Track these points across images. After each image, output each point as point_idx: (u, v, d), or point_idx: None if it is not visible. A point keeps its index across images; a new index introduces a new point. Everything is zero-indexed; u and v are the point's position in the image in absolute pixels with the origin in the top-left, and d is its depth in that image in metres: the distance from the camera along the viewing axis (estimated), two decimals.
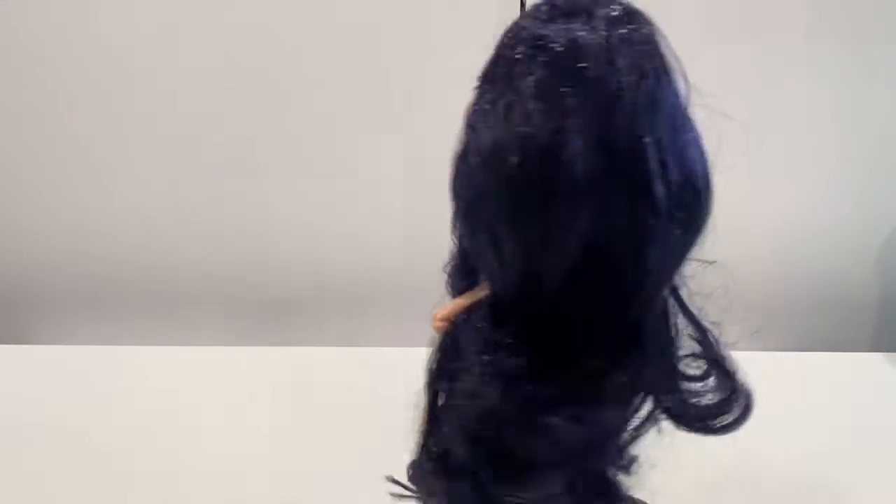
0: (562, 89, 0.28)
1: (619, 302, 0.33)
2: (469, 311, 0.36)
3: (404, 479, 0.41)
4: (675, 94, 0.32)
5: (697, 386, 0.40)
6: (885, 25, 0.74)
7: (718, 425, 0.41)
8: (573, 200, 0.29)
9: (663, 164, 0.30)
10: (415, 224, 0.71)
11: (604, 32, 0.29)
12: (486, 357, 0.34)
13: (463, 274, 0.39)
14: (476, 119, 0.31)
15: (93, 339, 0.87)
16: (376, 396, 0.61)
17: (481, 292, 0.36)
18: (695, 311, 0.39)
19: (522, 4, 0.34)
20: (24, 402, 0.72)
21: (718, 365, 0.41)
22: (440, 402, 0.38)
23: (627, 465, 0.38)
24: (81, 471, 0.63)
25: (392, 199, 0.72)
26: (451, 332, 0.37)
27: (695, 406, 0.40)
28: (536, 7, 0.31)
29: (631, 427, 0.37)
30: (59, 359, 0.80)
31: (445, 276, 0.41)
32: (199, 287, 0.89)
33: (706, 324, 0.40)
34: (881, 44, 0.75)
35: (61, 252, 0.87)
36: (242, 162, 0.82)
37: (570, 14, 0.29)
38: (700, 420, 0.40)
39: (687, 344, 0.40)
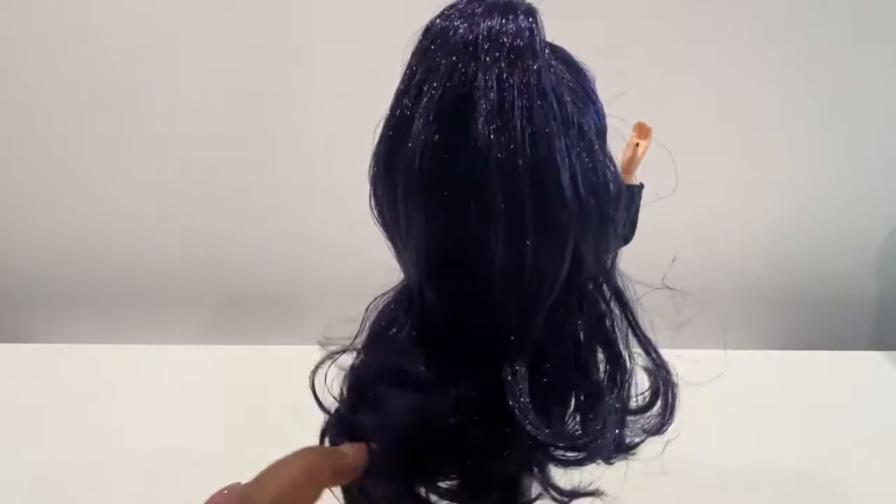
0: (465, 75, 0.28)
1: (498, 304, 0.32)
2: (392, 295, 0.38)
3: None
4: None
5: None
6: (885, 26, 0.74)
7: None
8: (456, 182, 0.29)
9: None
10: None
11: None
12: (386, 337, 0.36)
13: None
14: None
15: (90, 338, 0.87)
16: None
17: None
18: (642, 330, 0.37)
19: None
20: (22, 399, 0.72)
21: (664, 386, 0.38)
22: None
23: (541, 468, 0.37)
24: (80, 469, 0.63)
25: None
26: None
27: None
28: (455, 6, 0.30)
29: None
30: (56, 357, 0.80)
31: None
32: (196, 287, 0.89)
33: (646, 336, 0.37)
34: (881, 44, 0.75)
35: (58, 252, 0.87)
36: (236, 165, 0.81)
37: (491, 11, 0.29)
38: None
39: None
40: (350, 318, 0.39)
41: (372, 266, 0.37)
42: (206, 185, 0.83)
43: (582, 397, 0.35)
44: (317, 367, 0.40)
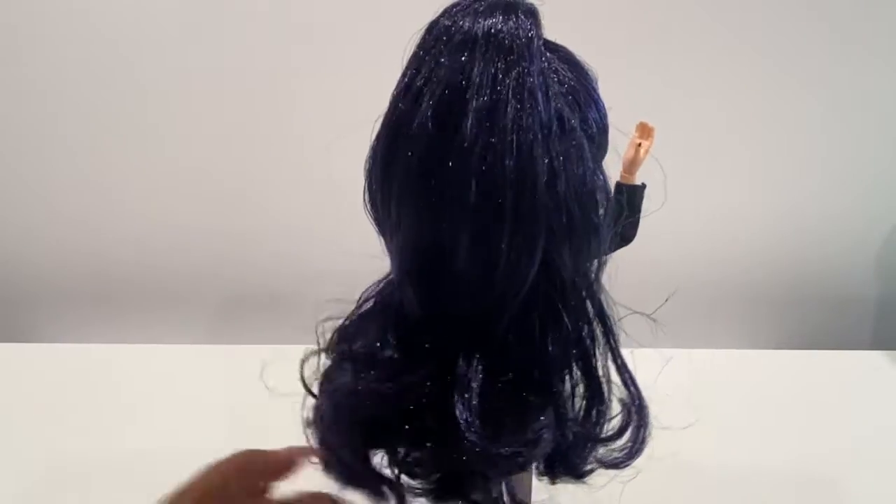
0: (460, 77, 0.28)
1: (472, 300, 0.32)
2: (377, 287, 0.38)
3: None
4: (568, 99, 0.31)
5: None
6: (883, 27, 0.74)
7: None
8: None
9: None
10: None
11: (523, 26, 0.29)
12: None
13: None
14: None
15: (91, 338, 0.87)
16: None
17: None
18: (617, 349, 0.36)
19: None
20: (23, 399, 0.72)
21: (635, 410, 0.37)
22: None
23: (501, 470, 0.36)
24: (81, 468, 0.63)
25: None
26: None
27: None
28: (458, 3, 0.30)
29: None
30: (57, 357, 0.80)
31: None
32: (197, 287, 0.89)
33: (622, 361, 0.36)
34: (880, 44, 0.75)
35: (59, 252, 0.87)
36: (237, 164, 0.81)
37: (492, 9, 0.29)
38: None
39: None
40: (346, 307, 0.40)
41: (372, 266, 0.37)
42: (206, 185, 0.83)
43: (536, 410, 0.34)
44: (305, 359, 0.40)
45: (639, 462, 0.39)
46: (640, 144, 0.41)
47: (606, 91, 0.34)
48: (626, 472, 0.38)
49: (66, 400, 0.72)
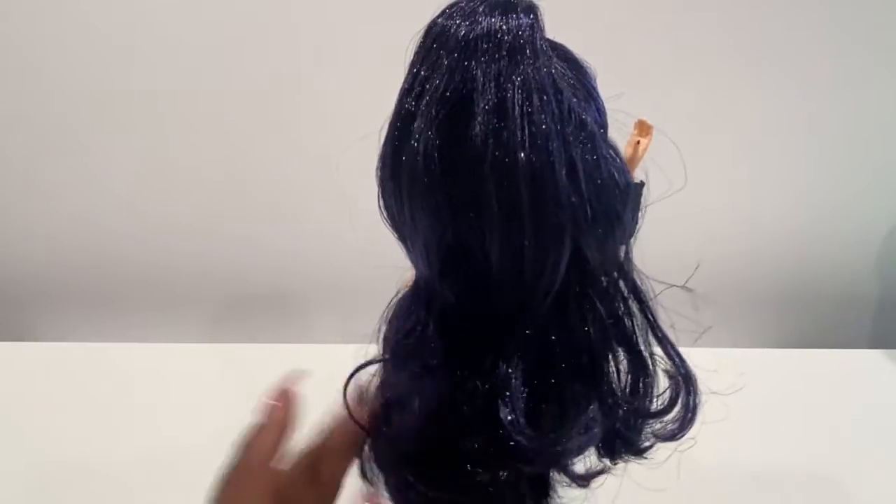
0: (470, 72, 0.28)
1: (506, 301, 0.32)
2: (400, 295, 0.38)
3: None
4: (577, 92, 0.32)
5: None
6: (884, 27, 0.74)
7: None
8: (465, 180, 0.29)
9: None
10: None
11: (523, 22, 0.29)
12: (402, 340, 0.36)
13: None
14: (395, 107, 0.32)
15: (92, 337, 0.87)
16: None
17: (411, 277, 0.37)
18: (660, 326, 0.37)
19: None
20: (24, 398, 0.72)
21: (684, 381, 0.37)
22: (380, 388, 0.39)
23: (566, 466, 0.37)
24: (82, 467, 0.63)
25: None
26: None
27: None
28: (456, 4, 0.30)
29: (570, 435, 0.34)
30: (58, 355, 0.80)
31: None
32: (199, 285, 0.89)
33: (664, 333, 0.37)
34: (880, 44, 0.75)
35: (61, 251, 0.87)
36: (238, 163, 0.82)
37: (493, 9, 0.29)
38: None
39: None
40: (355, 315, 0.39)
41: (374, 265, 0.37)
42: (207, 185, 0.83)
43: (582, 401, 0.34)
44: (350, 377, 0.40)
45: (638, 460, 0.39)
46: (638, 142, 0.41)
47: (605, 89, 0.34)
48: (683, 443, 0.39)
49: (67, 400, 0.72)
